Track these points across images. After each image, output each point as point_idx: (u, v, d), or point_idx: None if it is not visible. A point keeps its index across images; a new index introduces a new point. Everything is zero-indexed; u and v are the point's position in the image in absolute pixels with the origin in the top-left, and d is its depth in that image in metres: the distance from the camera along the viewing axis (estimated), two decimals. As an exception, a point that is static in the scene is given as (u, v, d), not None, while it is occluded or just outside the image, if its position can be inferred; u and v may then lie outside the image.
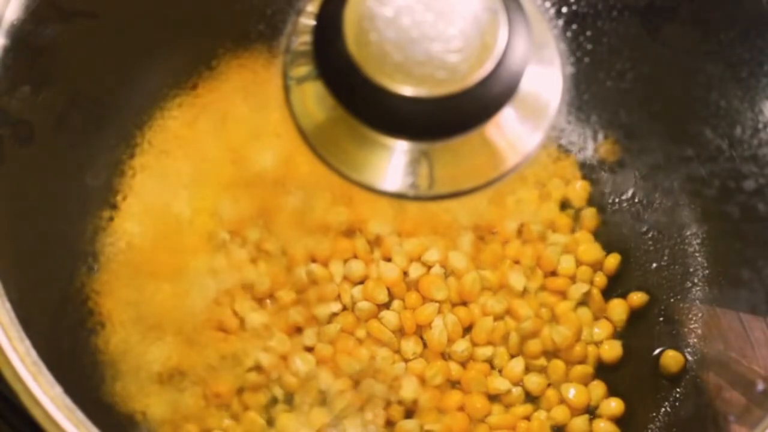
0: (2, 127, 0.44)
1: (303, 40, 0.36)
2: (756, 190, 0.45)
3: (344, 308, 0.51)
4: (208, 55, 0.47)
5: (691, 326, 0.52)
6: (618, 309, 0.52)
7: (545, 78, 0.36)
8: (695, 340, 0.51)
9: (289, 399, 0.50)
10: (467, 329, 0.52)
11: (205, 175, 0.49)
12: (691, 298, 0.52)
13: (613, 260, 0.53)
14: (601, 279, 0.53)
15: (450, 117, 0.33)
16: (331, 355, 0.50)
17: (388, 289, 0.51)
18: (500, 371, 0.51)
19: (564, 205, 0.53)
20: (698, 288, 0.52)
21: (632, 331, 0.52)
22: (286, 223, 0.50)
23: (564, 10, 0.40)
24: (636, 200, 0.53)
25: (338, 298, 0.51)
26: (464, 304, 0.52)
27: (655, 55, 0.47)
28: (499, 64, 0.33)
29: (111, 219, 0.47)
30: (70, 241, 0.47)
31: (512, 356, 0.51)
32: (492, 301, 0.51)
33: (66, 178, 0.47)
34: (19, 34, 0.43)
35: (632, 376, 0.52)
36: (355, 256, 0.52)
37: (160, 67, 0.47)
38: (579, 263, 0.52)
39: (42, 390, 0.40)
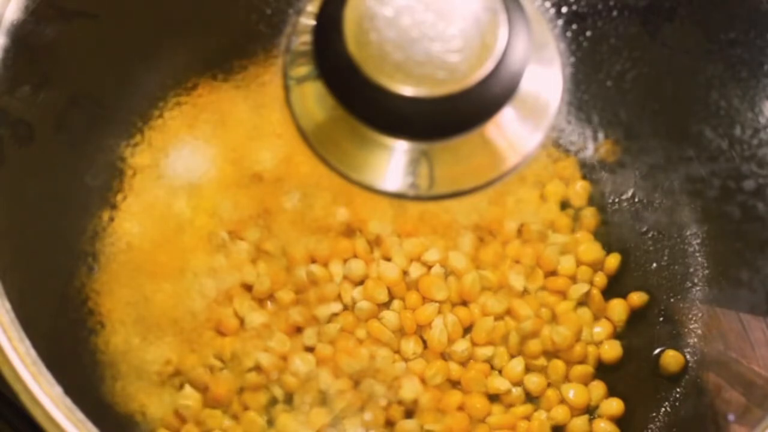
0: (2, 127, 0.44)
1: (303, 40, 0.36)
2: (756, 190, 0.45)
3: (344, 308, 0.51)
4: (208, 55, 0.47)
5: (691, 326, 0.52)
6: (618, 309, 0.52)
7: (545, 78, 0.36)
8: (695, 340, 0.51)
9: (289, 399, 0.50)
10: (467, 329, 0.52)
11: (205, 175, 0.49)
12: (691, 298, 0.52)
13: (613, 260, 0.53)
14: (601, 279, 0.53)
15: (450, 117, 0.33)
16: (331, 355, 0.50)
17: (388, 289, 0.51)
18: (500, 371, 0.51)
19: (564, 205, 0.53)
20: (698, 288, 0.52)
21: (632, 331, 0.52)
22: (286, 223, 0.50)
23: (564, 10, 0.40)
24: (636, 200, 0.53)
25: (338, 298, 0.51)
26: (464, 304, 0.52)
27: (655, 55, 0.47)
28: (499, 64, 0.33)
29: (111, 219, 0.47)
30: (70, 241, 0.47)
31: (512, 356, 0.51)
32: (492, 301, 0.51)
33: (66, 178, 0.47)
34: (19, 34, 0.43)
35: (632, 376, 0.52)
36: (355, 256, 0.52)
37: (160, 67, 0.47)
38: (579, 263, 0.52)
39: (42, 390, 0.40)
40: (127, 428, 0.46)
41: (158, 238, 0.48)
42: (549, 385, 0.51)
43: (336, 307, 0.51)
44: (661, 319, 0.52)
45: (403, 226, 0.52)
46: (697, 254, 0.52)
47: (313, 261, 0.51)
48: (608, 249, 0.53)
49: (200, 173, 0.49)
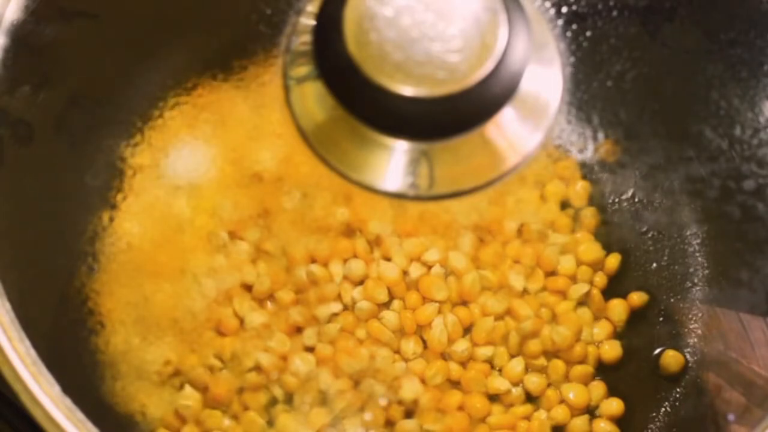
0: (2, 127, 0.44)
1: (303, 40, 0.36)
2: (756, 190, 0.45)
3: (344, 308, 0.51)
4: (208, 55, 0.47)
5: (691, 326, 0.52)
6: (618, 309, 0.52)
7: (545, 78, 0.36)
8: (695, 340, 0.51)
9: (289, 399, 0.50)
10: (467, 329, 0.52)
11: (205, 175, 0.49)
12: (691, 298, 0.52)
13: (613, 260, 0.53)
14: (601, 279, 0.53)
15: (450, 117, 0.33)
16: (331, 355, 0.50)
17: (388, 289, 0.51)
18: (500, 371, 0.51)
19: (564, 205, 0.53)
20: (698, 288, 0.52)
21: (632, 331, 0.52)
22: (286, 223, 0.50)
23: (564, 10, 0.40)
24: (636, 200, 0.53)
25: (338, 298, 0.51)
26: (464, 304, 0.52)
27: (655, 55, 0.47)
28: (499, 64, 0.33)
29: (111, 219, 0.47)
30: (70, 241, 0.47)
31: (512, 356, 0.51)
32: (492, 301, 0.51)
33: (66, 178, 0.47)
34: (19, 34, 0.43)
35: (632, 376, 0.52)
36: (355, 256, 0.52)
37: (160, 67, 0.47)
38: (579, 263, 0.52)
39: (42, 390, 0.40)
40: (127, 428, 0.46)
41: (158, 238, 0.48)
42: (549, 385, 0.51)
43: (336, 307, 0.51)
44: (661, 319, 0.52)
45: (403, 226, 0.52)
46: (697, 254, 0.52)
47: (313, 261, 0.51)
48: (608, 249, 0.53)
49: (200, 173, 0.49)
